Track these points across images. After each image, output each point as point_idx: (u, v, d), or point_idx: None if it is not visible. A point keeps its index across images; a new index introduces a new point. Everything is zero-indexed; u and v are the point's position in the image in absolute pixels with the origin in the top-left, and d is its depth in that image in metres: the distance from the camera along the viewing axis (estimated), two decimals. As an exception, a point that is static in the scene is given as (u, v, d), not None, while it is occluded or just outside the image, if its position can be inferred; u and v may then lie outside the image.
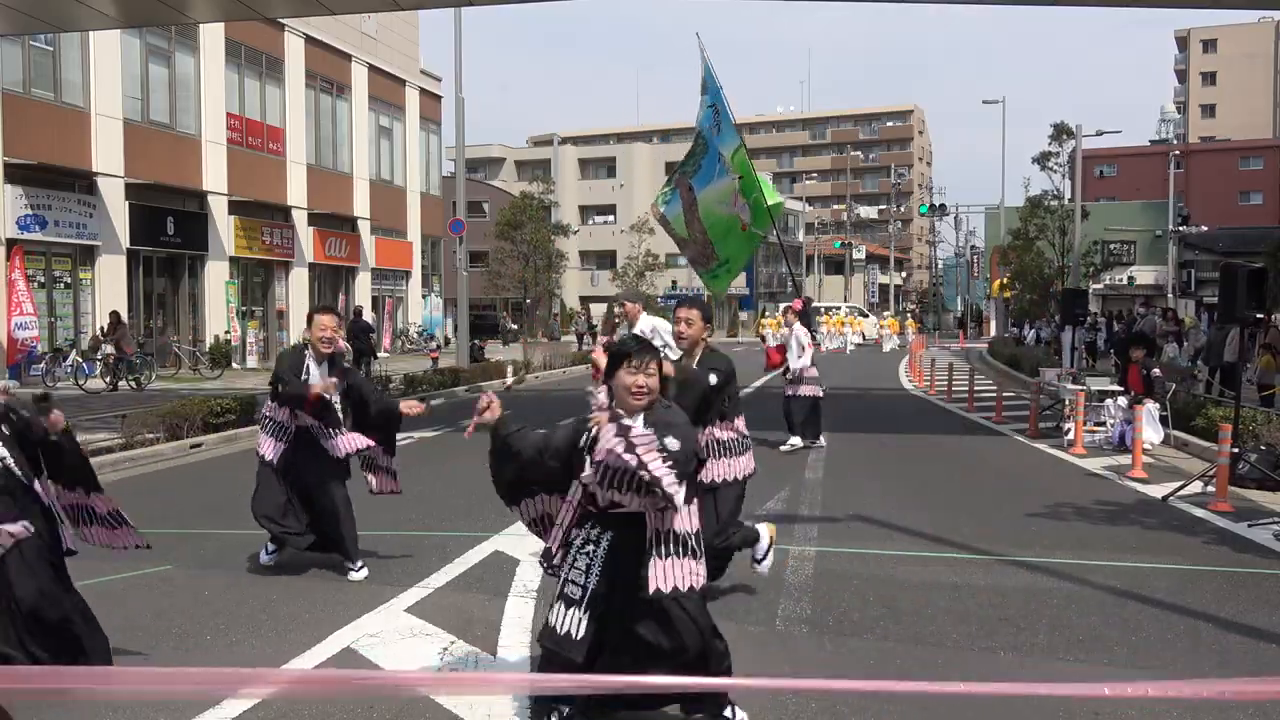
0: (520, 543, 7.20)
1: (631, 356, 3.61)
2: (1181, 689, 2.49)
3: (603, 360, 3.87)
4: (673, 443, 3.45)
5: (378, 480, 6.48)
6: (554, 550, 3.81)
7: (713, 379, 5.28)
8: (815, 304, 58.55)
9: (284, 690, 3.43)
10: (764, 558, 5.78)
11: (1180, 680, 3.23)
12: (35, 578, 4.04)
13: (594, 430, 3.61)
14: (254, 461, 6.51)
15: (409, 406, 6.48)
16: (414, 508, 8.66)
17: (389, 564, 6.62)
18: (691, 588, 3.61)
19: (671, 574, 3.53)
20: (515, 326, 48.27)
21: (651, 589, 3.49)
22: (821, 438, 12.20)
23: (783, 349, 12.43)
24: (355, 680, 2.80)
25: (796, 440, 12.05)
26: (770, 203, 9.76)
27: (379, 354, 27.37)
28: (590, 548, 3.67)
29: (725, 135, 9.59)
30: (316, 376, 6.31)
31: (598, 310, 50.27)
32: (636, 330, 9.26)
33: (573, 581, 3.67)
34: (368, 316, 30.54)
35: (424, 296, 38.73)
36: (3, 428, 4.11)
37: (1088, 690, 2.11)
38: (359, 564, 6.28)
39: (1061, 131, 29.77)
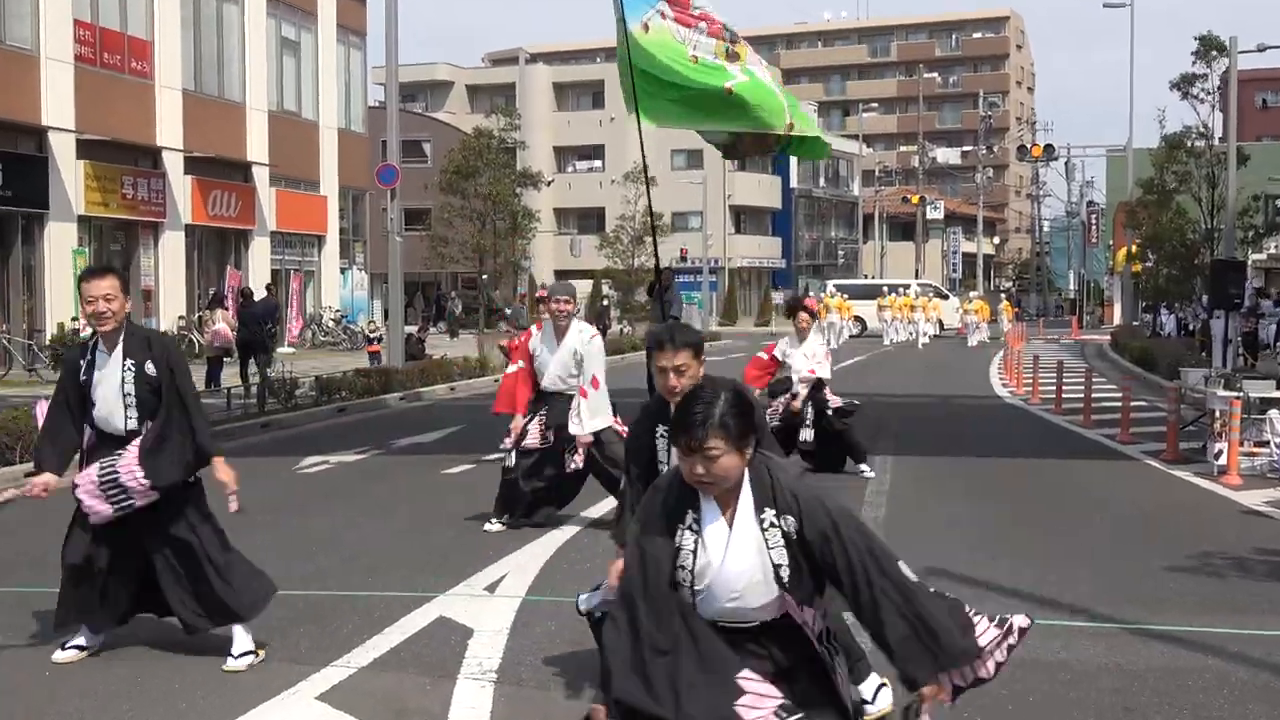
0: (473, 605, 7.21)
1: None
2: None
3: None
4: None
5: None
6: None
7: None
8: (876, 280, 58.67)
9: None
10: None
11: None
12: None
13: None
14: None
15: (223, 473, 6.17)
16: (329, 556, 8.66)
17: (295, 635, 6.63)
18: None
19: None
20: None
21: None
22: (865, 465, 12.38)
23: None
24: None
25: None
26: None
27: (281, 348, 27.34)
28: None
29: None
30: (106, 372, 6.17)
31: (583, 289, 50.39)
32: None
33: None
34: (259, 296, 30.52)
35: (343, 270, 38.75)
36: None
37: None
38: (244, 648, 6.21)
39: (1209, 47, 29.73)
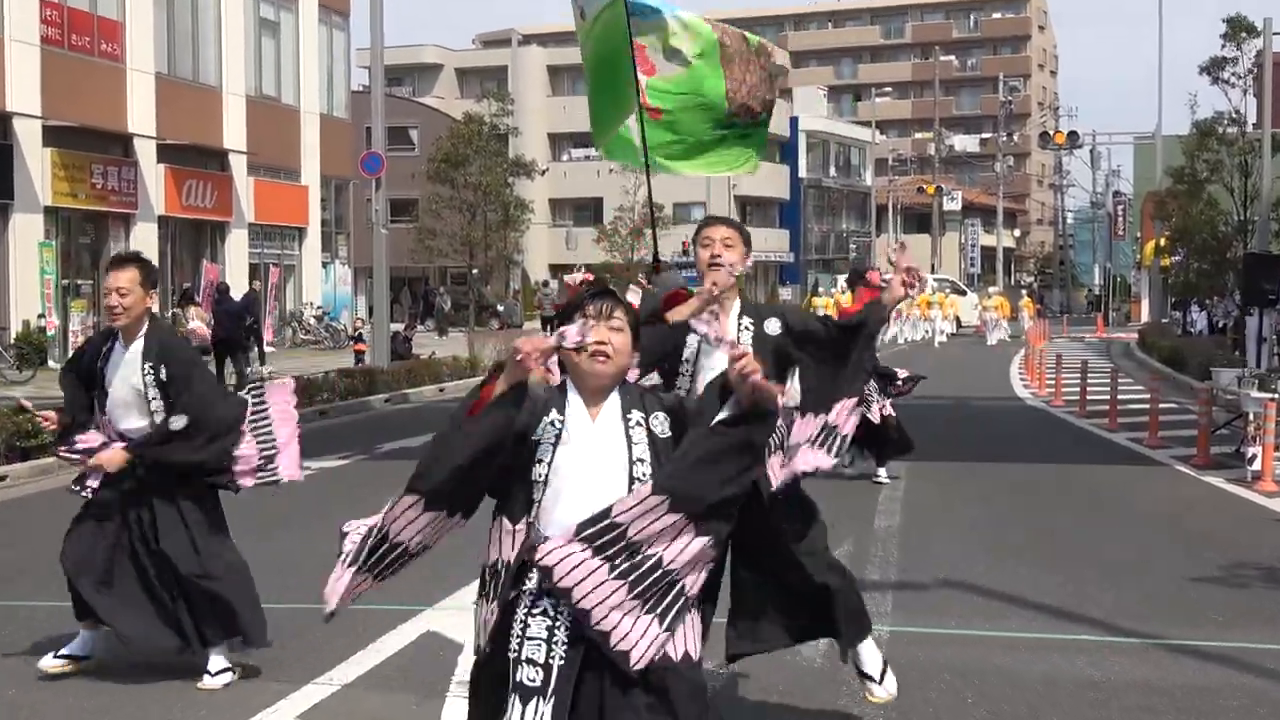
0: (464, 619, 7.19)
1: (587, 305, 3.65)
2: None
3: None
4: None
5: None
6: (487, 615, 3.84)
7: (773, 326, 5.18)
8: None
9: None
10: (882, 676, 5.35)
11: None
12: None
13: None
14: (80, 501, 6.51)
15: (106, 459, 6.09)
16: (312, 567, 8.63)
17: (276, 651, 6.63)
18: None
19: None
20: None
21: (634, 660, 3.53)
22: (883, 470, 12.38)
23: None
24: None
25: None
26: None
27: (262, 347, 27.35)
28: (547, 604, 3.68)
29: None
30: (120, 367, 6.08)
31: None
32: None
33: (529, 660, 3.68)
34: (236, 292, 30.55)
35: (325, 265, 38.74)
36: None
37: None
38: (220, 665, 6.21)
39: (1238, 28, 29.70)
